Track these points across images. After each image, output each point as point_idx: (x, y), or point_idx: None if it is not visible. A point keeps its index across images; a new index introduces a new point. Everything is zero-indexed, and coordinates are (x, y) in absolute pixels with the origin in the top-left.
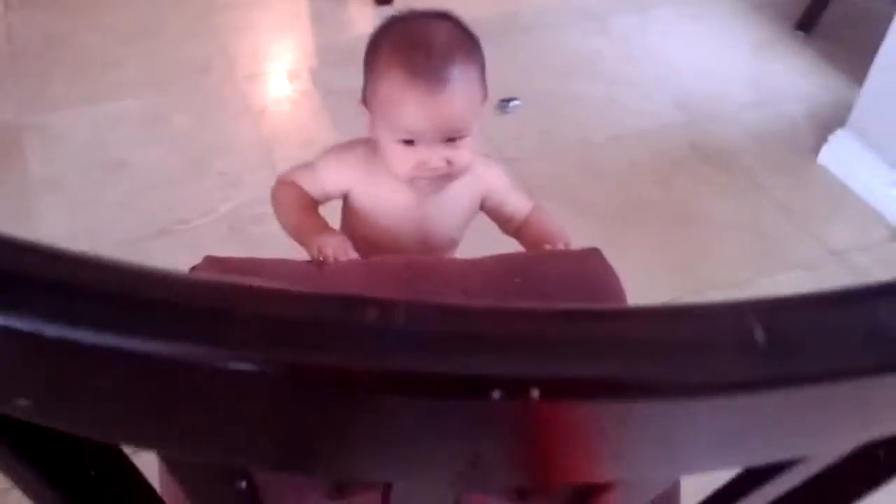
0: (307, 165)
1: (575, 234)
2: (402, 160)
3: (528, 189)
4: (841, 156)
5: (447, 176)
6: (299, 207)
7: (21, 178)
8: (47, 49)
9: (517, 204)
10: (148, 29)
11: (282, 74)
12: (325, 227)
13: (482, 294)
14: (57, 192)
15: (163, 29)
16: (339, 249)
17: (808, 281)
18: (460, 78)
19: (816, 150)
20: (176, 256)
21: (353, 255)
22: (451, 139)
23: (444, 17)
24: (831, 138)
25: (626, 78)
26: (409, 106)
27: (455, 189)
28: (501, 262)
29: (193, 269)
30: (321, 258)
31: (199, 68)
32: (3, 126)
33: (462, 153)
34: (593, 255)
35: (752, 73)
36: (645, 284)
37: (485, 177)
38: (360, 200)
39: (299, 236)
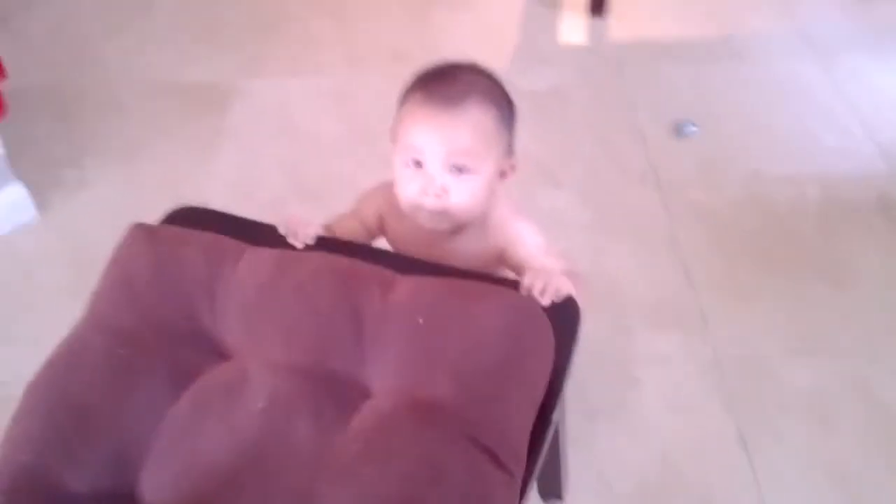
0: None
1: (705, 265)
2: (408, 183)
3: (667, 216)
4: None
5: (445, 212)
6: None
7: (216, 127)
8: (279, 24)
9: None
10: (365, 16)
11: None
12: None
13: (389, 320)
14: (238, 143)
15: (379, 17)
16: (299, 227)
17: None
18: (475, 111)
19: None
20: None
21: (310, 239)
22: (457, 169)
23: (482, 72)
24: None
25: (833, 117)
26: (419, 122)
27: (465, 243)
28: (424, 290)
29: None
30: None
31: (396, 57)
32: (220, 84)
33: (462, 188)
34: (524, 307)
35: None
36: (758, 337)
37: (502, 232)
38: (387, 234)
39: None
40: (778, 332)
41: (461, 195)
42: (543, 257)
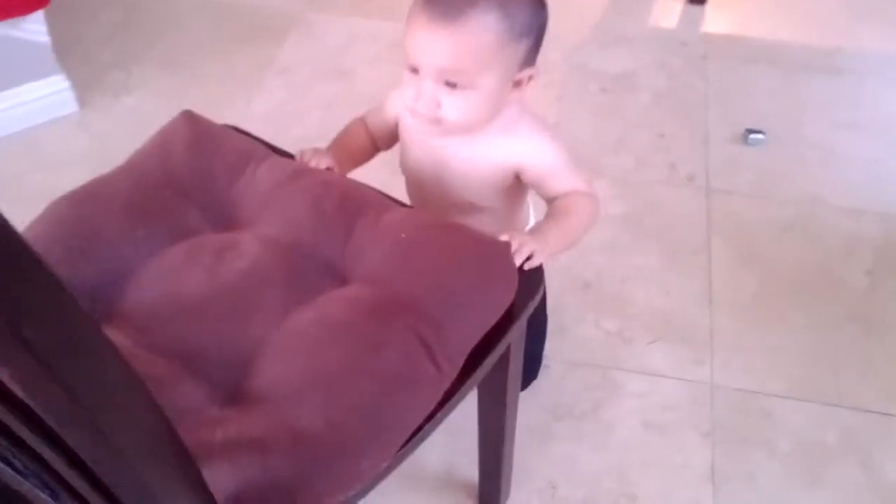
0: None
1: (731, 284)
2: (405, 86)
3: (706, 224)
4: None
5: (438, 123)
6: (344, 132)
7: (270, 56)
8: None
9: (558, 186)
10: None
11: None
12: (330, 146)
13: (377, 233)
14: (287, 77)
15: None
16: (313, 159)
17: None
18: (477, 23)
19: None
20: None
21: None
22: (451, 84)
23: None
24: None
25: None
26: (415, 31)
27: (479, 150)
28: (414, 217)
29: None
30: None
31: None
32: (283, 12)
33: (456, 103)
34: (497, 250)
35: None
36: (765, 370)
37: (523, 151)
38: (400, 133)
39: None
40: (788, 370)
41: (454, 110)
42: (564, 176)
